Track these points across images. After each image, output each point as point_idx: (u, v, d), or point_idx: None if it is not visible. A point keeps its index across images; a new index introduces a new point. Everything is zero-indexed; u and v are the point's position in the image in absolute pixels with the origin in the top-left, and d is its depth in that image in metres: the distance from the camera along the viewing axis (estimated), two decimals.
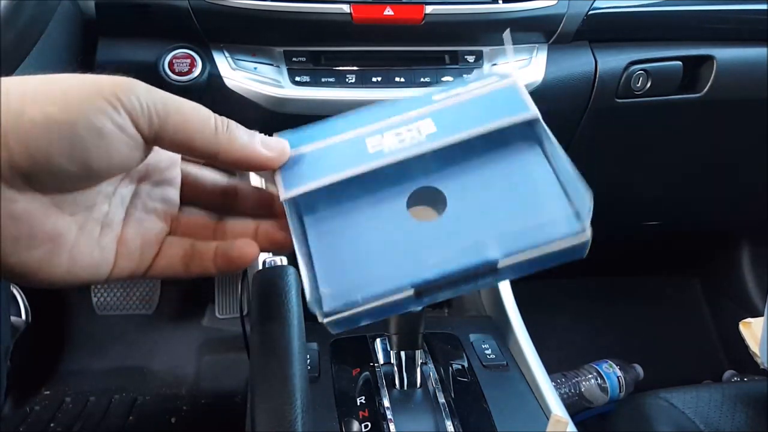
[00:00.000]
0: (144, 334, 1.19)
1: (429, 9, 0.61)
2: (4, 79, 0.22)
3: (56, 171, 0.23)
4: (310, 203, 0.27)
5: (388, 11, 0.61)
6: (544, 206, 0.25)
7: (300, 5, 0.60)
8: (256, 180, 0.31)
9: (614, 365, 1.07)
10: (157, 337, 1.19)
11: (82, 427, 1.01)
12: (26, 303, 1.05)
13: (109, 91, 0.23)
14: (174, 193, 0.30)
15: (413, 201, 0.26)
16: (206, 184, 0.31)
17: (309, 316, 0.33)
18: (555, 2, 0.65)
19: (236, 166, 0.28)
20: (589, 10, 0.67)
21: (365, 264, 0.25)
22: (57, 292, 1.20)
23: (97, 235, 0.26)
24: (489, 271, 0.24)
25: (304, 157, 0.27)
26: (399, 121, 0.27)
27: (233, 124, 0.26)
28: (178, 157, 0.30)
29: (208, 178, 0.31)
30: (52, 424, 1.02)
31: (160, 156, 0.29)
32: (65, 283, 0.25)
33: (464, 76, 0.32)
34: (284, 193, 0.27)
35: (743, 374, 1.13)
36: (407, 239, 0.25)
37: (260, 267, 0.38)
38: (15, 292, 1.03)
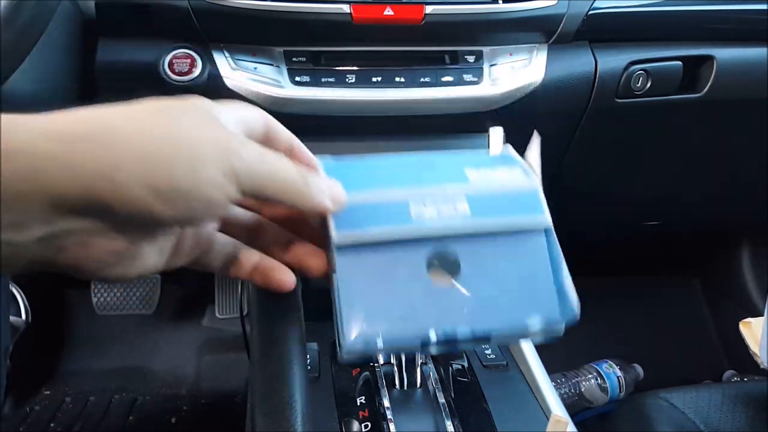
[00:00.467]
0: (144, 334, 1.19)
1: (429, 9, 0.61)
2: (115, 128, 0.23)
3: (160, 229, 0.25)
4: (346, 247, 0.30)
5: (388, 11, 0.61)
6: (537, 301, 0.30)
7: (300, 5, 0.60)
8: None
9: (614, 365, 1.07)
10: (157, 337, 1.19)
11: (82, 427, 1.01)
12: (26, 303, 1.05)
13: (225, 158, 0.24)
14: None
15: (433, 260, 0.30)
16: None
17: (309, 316, 0.34)
18: (555, 2, 0.65)
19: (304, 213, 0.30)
20: (589, 10, 0.67)
21: (384, 314, 0.29)
22: (57, 292, 1.20)
23: (161, 245, 0.28)
24: (483, 339, 0.30)
25: (356, 207, 0.30)
26: (439, 195, 0.31)
27: (309, 179, 0.28)
28: None
29: None
30: (52, 424, 1.02)
31: None
32: (128, 279, 0.28)
33: (487, 152, 0.41)
34: (336, 239, 0.29)
35: (743, 374, 1.13)
36: (422, 298, 0.29)
37: None
38: (15, 292, 1.03)
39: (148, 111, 0.25)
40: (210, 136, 0.25)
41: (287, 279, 0.31)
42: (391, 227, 0.30)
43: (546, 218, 0.32)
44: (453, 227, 0.30)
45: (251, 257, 0.31)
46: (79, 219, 0.23)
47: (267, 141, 0.31)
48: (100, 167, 0.22)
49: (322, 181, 0.29)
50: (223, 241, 0.31)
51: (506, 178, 0.33)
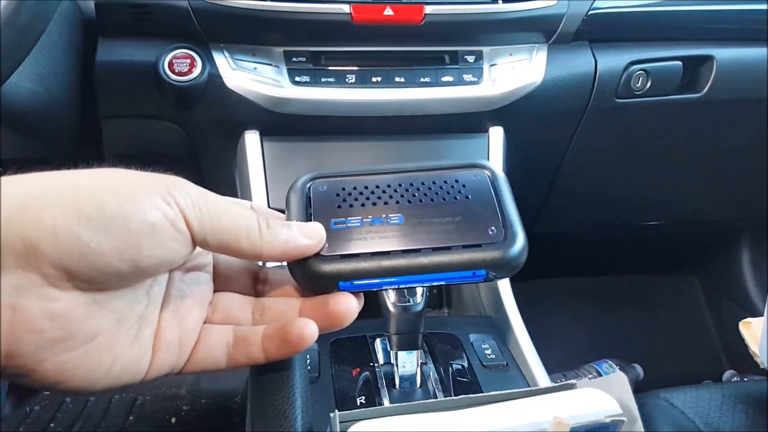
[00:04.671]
0: None
1: (429, 9, 0.61)
2: (51, 174, 0.22)
3: (104, 269, 0.21)
4: None
5: (388, 11, 0.61)
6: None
7: (300, 5, 0.60)
8: None
9: (614, 365, 1.07)
10: None
11: (82, 427, 1.01)
12: None
13: (162, 187, 0.23)
14: (207, 278, 0.29)
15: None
16: (237, 268, 0.30)
17: None
18: (555, 2, 0.65)
19: (279, 260, 0.27)
20: (589, 10, 0.67)
21: None
22: None
23: (136, 332, 0.25)
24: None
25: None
26: None
27: (271, 218, 0.26)
28: None
29: (238, 262, 0.31)
30: (52, 424, 1.02)
31: None
32: (103, 387, 0.23)
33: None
34: None
35: (743, 374, 1.13)
36: None
37: None
38: None
39: (80, 170, 0.23)
40: (146, 175, 0.23)
41: (307, 332, 0.27)
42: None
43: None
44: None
45: (257, 331, 0.28)
46: (4, 273, 0.19)
47: None
48: (21, 198, 0.20)
49: (290, 222, 0.27)
50: (218, 329, 0.28)
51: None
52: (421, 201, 0.30)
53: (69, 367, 0.22)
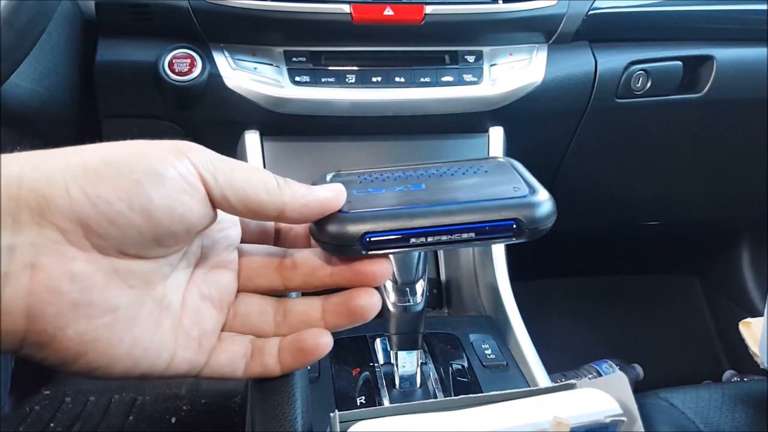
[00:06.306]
0: None
1: (429, 9, 0.61)
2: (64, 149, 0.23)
3: (117, 219, 0.21)
4: None
5: (388, 11, 0.61)
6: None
7: (300, 5, 0.60)
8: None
9: (614, 365, 1.07)
10: None
11: (82, 427, 1.01)
12: None
13: (172, 147, 0.23)
14: (231, 278, 0.29)
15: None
16: (262, 260, 0.30)
17: None
18: (555, 2, 0.65)
19: (302, 216, 0.27)
20: (589, 10, 0.68)
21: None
22: None
23: (156, 319, 0.25)
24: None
25: None
26: None
27: (288, 179, 0.27)
28: (237, 238, 0.29)
29: (263, 252, 0.30)
30: (52, 424, 1.02)
31: (217, 237, 0.28)
32: (123, 369, 0.23)
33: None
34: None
35: (743, 374, 1.13)
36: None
37: None
38: None
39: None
40: (156, 141, 0.24)
41: (322, 341, 0.27)
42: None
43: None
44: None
45: (273, 343, 0.28)
46: (21, 230, 0.20)
47: None
48: (33, 162, 0.21)
49: (309, 187, 0.27)
50: (237, 338, 0.28)
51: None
52: (441, 176, 0.31)
53: (90, 338, 0.22)
